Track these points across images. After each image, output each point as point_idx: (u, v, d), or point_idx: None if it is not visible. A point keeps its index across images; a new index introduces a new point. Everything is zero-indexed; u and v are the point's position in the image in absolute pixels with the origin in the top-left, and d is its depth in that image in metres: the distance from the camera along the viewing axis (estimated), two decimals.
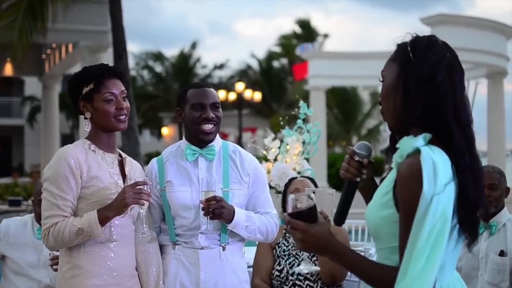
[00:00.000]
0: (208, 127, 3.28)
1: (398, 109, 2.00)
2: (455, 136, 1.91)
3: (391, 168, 2.04)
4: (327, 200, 3.73)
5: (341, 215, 2.24)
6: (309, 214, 1.97)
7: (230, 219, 3.15)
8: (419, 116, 1.95)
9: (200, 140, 3.31)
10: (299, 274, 3.87)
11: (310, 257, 2.10)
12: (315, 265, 3.81)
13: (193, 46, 38.37)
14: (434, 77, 1.93)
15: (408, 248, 1.84)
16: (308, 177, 4.41)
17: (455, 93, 1.96)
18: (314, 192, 3.58)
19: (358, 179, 2.22)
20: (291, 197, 2.00)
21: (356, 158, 2.21)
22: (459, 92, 1.97)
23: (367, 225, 2.09)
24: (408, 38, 2.04)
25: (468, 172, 1.90)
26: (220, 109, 3.36)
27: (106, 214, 2.88)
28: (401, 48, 2.03)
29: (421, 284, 1.80)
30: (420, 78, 1.94)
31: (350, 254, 1.98)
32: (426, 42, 2.00)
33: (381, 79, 2.08)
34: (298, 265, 3.90)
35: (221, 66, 38.71)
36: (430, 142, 1.92)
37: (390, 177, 2.01)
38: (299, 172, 5.38)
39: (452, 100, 1.94)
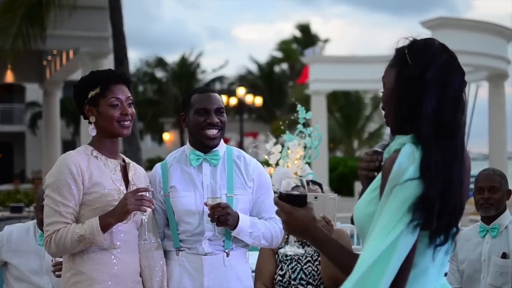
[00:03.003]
0: (213, 132, 3.28)
1: (395, 112, 1.98)
2: (423, 131, 1.86)
3: None
4: (329, 204, 3.73)
5: None
6: (298, 199, 2.05)
7: (234, 226, 3.13)
8: (405, 116, 1.92)
9: (205, 145, 3.30)
10: (301, 279, 3.87)
11: (296, 240, 2.19)
12: (318, 265, 3.85)
13: (193, 51, 38.48)
14: (424, 75, 1.90)
15: (369, 236, 1.84)
16: (317, 183, 4.41)
17: (444, 92, 1.90)
18: (316, 198, 3.60)
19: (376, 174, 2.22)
20: (283, 180, 2.08)
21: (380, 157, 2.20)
22: (451, 92, 1.91)
23: (354, 222, 2.07)
24: (405, 43, 2.02)
25: (431, 172, 1.82)
26: (225, 114, 3.35)
27: (108, 220, 2.88)
28: (399, 53, 2.00)
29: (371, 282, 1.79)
30: (410, 78, 1.92)
31: (328, 242, 2.02)
32: (422, 44, 1.98)
33: (382, 86, 2.07)
34: (301, 270, 3.90)
35: (218, 75, 38.71)
36: None
37: (380, 175, 2.01)
38: (301, 177, 5.38)
39: (437, 98, 1.88)
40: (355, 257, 1.97)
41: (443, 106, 1.89)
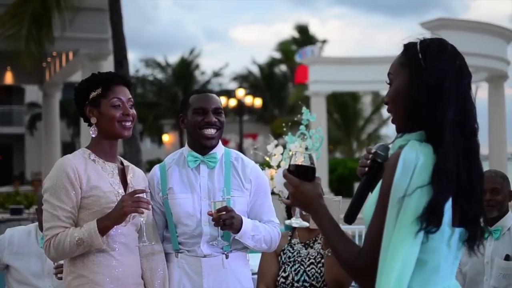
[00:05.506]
0: (211, 132, 3.27)
1: (407, 113, 1.99)
2: (445, 137, 1.88)
3: None
4: (334, 207, 3.72)
5: (352, 213, 2.23)
6: (306, 172, 2.07)
7: (238, 229, 3.13)
8: (422, 120, 1.94)
9: (203, 145, 3.29)
10: (304, 281, 3.86)
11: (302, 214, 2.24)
12: (321, 267, 3.84)
13: (192, 53, 38.47)
14: (442, 84, 1.93)
15: (383, 246, 1.86)
16: None
17: (461, 99, 1.95)
18: None
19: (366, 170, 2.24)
20: (294, 155, 2.10)
21: (371, 156, 2.22)
22: (466, 98, 1.97)
23: (364, 220, 2.09)
24: (415, 40, 2.03)
25: (444, 179, 1.85)
26: (223, 115, 3.35)
27: (105, 223, 2.87)
28: (411, 52, 2.01)
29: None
30: (427, 85, 1.93)
31: (328, 221, 2.04)
32: (436, 48, 1.99)
33: (388, 82, 2.07)
34: (304, 272, 3.89)
35: (217, 75, 38.73)
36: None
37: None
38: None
39: (455, 106, 1.92)
40: (346, 244, 2.00)
41: (463, 113, 1.94)
